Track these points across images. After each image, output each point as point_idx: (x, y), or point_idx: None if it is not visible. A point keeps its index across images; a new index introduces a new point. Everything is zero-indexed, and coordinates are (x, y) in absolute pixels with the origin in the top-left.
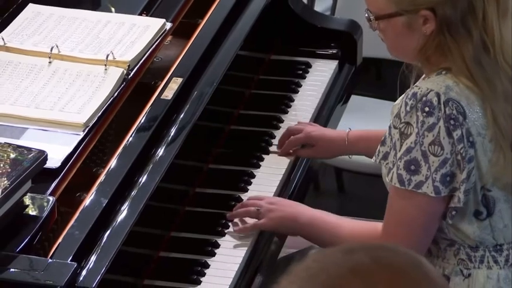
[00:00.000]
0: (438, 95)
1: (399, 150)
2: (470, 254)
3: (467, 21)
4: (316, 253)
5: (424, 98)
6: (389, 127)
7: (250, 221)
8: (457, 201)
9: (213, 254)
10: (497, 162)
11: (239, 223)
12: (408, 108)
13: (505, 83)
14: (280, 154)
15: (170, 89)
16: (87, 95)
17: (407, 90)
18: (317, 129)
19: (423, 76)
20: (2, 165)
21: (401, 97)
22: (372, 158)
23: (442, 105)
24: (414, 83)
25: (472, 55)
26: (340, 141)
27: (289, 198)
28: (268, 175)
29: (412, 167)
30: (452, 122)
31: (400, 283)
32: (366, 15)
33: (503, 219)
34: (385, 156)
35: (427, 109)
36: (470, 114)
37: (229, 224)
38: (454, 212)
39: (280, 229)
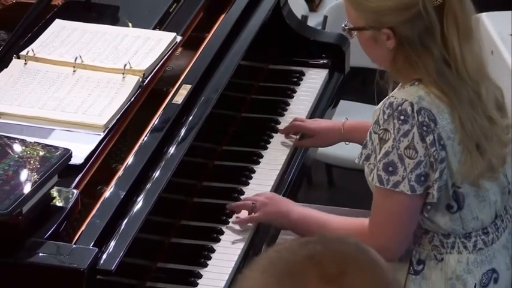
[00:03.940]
0: (412, 105)
1: (378, 154)
2: (443, 240)
3: (425, 41)
4: (277, 245)
5: (399, 107)
6: (370, 132)
7: (247, 214)
8: (432, 198)
9: (218, 240)
10: (465, 162)
11: (239, 216)
12: (386, 116)
13: (470, 92)
14: (282, 132)
15: (180, 94)
16: (107, 99)
17: (385, 99)
18: (316, 122)
19: (400, 85)
20: (32, 161)
21: (380, 104)
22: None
23: (416, 114)
24: (392, 90)
25: (434, 68)
26: (337, 130)
27: (285, 190)
28: (267, 170)
29: (390, 169)
30: (424, 128)
31: (348, 266)
32: (343, 25)
33: (472, 213)
34: (367, 158)
35: (402, 117)
36: (440, 121)
37: (232, 214)
38: (429, 207)
39: (273, 223)
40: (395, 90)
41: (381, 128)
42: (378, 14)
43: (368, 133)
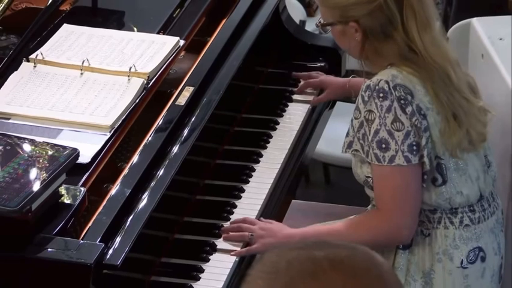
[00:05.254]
0: (387, 82)
1: (369, 134)
2: (430, 216)
3: (388, 30)
4: (283, 249)
5: (377, 87)
6: (351, 120)
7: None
8: (425, 166)
9: (220, 236)
10: (444, 131)
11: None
12: (366, 98)
13: (440, 73)
14: (298, 91)
15: (183, 96)
16: (113, 101)
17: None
18: (328, 77)
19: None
20: (41, 160)
21: None
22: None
23: (392, 90)
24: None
25: (399, 54)
26: (343, 84)
27: (283, 188)
28: (266, 169)
29: (383, 146)
30: (402, 101)
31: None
32: (317, 21)
33: (455, 187)
34: (350, 145)
35: (381, 95)
36: (416, 94)
37: (233, 211)
38: (425, 176)
39: None
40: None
41: (365, 110)
42: (343, 10)
43: (350, 121)
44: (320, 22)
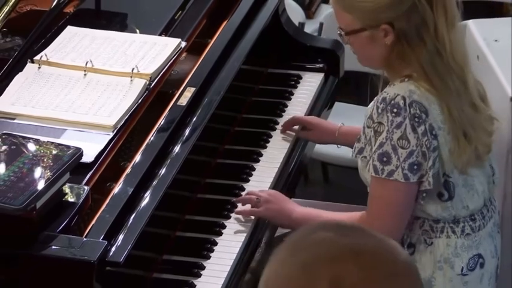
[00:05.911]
0: (404, 98)
1: (374, 145)
2: (433, 225)
3: (421, 32)
4: (313, 228)
5: (392, 102)
6: (364, 127)
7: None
8: (427, 185)
9: (221, 234)
10: (454, 150)
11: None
12: (380, 110)
13: (456, 82)
14: (282, 129)
15: (185, 96)
16: (116, 101)
17: (377, 96)
18: (316, 119)
19: (390, 83)
20: (45, 160)
21: (373, 101)
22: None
23: (407, 107)
24: (382, 90)
25: (426, 59)
26: (332, 132)
27: (283, 186)
28: (266, 168)
29: (384, 159)
30: (416, 119)
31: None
32: (338, 32)
33: (462, 202)
34: (360, 151)
35: (395, 110)
36: (431, 112)
37: (235, 208)
38: (424, 194)
39: (273, 220)
40: (386, 88)
41: (376, 121)
42: (376, 12)
43: (362, 128)
44: (342, 30)
